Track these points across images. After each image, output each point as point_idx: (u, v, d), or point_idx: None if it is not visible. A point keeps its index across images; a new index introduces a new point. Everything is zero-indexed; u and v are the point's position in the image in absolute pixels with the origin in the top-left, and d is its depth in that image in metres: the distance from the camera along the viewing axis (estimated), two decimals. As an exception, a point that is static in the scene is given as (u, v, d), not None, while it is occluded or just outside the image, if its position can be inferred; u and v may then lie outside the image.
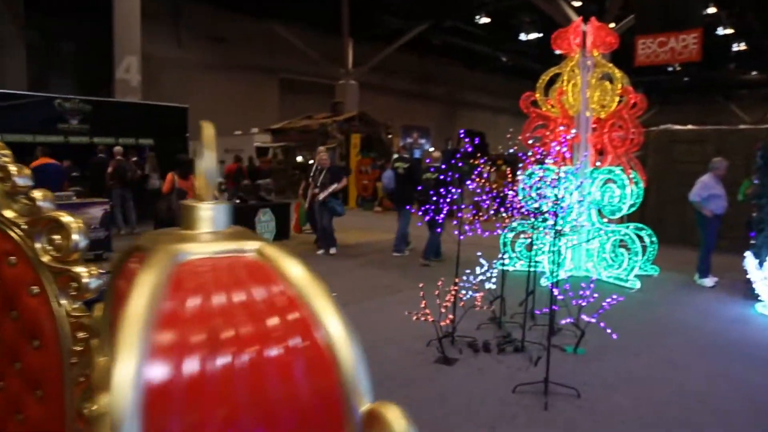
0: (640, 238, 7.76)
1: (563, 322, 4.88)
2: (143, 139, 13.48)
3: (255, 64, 27.77)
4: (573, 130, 7.02)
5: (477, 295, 4.85)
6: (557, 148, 5.27)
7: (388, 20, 26.58)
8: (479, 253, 5.38)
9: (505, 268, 5.90)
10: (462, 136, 5.09)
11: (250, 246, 0.75)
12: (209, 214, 0.81)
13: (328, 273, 7.99)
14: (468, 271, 5.16)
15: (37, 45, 22.36)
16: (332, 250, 9.37)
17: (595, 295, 4.74)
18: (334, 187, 9.21)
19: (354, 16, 25.09)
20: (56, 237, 1.42)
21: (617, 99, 7.72)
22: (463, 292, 5.08)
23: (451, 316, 4.90)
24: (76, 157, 11.88)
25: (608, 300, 4.68)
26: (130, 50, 21.47)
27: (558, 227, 4.85)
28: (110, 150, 11.59)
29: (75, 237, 1.39)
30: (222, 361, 0.63)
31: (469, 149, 5.01)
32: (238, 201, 10.90)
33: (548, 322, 4.56)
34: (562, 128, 7.29)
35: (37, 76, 21.79)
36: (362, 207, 16.64)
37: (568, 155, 5.80)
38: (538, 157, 6.06)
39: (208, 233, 0.80)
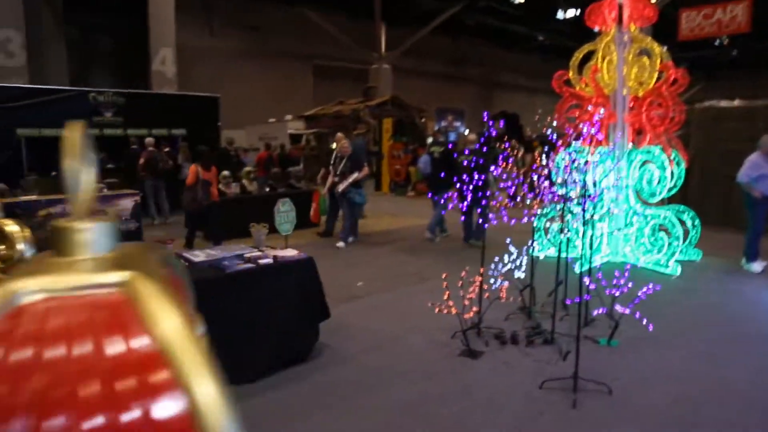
0: (682, 221, 7.37)
1: (596, 312, 4.63)
2: (176, 129, 13.59)
3: (288, 51, 27.73)
4: (602, 110, 6.65)
5: (502, 285, 4.64)
6: (585, 130, 4.96)
7: (420, 2, 26.14)
8: (509, 240, 5.19)
9: (537, 254, 5.67)
10: (486, 119, 4.83)
11: (114, 279, 0.60)
12: (84, 237, 0.66)
13: (355, 261, 7.90)
14: (497, 258, 4.96)
15: (77, 41, 22.96)
16: (339, 244, 8.78)
17: (630, 284, 4.48)
18: (354, 176, 8.76)
19: (386, 0, 24.77)
20: (1, 247, 1.30)
21: (656, 75, 7.30)
22: (492, 281, 4.89)
23: (476, 308, 4.71)
24: (110, 149, 12.12)
25: (644, 289, 4.41)
26: (165, 42, 21.86)
27: (588, 214, 4.58)
28: (142, 141, 11.73)
29: (20, 247, 1.28)
30: (47, 430, 0.48)
31: (493, 133, 4.77)
32: (267, 189, 10.88)
33: (578, 312, 4.31)
34: (590, 108, 6.92)
35: (78, 71, 22.34)
36: (395, 192, 16.45)
37: (600, 137, 5.49)
38: (570, 139, 5.76)
39: (83, 260, 0.65)
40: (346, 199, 8.86)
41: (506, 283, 4.68)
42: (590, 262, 5.03)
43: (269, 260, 4.50)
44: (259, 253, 4.62)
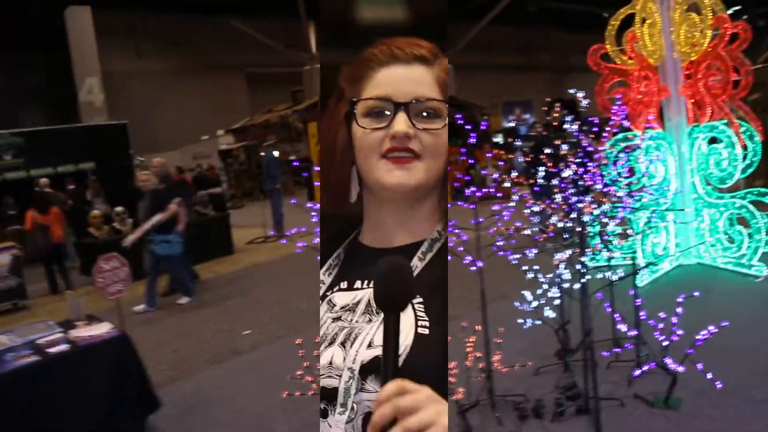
0: (764, 205, 7.11)
1: (637, 373, 4.30)
2: (84, 163, 14.79)
3: (218, 63, 30.98)
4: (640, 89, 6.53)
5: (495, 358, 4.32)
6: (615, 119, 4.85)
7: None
8: (537, 267, 4.47)
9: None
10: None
11: None
12: None
13: (252, 301, 8.04)
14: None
15: (1, 80, 25.41)
16: (183, 300, 8.27)
17: (681, 332, 4.16)
18: (153, 220, 7.86)
19: (310, -1, 26.77)
20: None
21: (710, 33, 7.17)
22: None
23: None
24: (15, 194, 13.19)
25: (703, 333, 4.05)
26: (90, 71, 25.01)
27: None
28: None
29: None
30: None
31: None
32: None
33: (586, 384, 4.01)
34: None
35: (7, 111, 24.49)
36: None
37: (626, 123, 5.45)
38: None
39: None
40: (149, 252, 8.11)
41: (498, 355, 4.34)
42: (635, 297, 4.74)
43: (64, 347, 4.30)
44: (54, 337, 4.41)
